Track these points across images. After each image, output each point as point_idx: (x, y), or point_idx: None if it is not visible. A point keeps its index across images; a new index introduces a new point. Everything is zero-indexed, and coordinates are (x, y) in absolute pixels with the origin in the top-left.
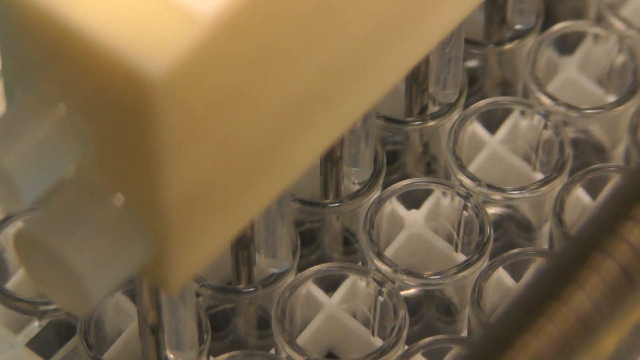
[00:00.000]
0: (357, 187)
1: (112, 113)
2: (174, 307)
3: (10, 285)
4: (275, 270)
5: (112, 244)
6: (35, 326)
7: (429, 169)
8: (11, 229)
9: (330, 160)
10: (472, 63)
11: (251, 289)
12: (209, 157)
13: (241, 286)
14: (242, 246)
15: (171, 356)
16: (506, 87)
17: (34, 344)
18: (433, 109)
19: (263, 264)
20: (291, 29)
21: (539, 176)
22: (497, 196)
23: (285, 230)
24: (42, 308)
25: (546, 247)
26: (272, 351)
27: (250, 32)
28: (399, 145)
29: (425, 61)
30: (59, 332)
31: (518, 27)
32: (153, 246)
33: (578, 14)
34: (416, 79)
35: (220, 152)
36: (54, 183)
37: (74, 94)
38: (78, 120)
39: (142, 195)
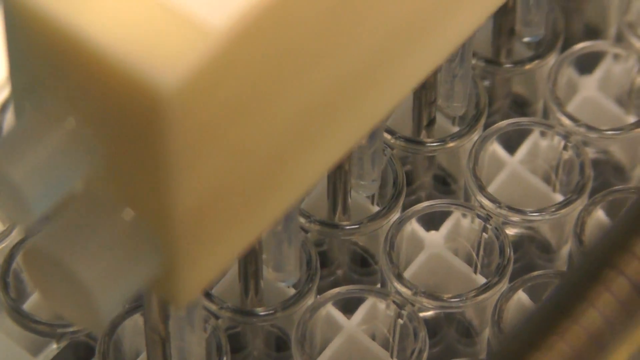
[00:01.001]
0: (376, 209)
1: (122, 126)
2: (182, 322)
3: (27, 306)
4: (283, 284)
5: (121, 258)
6: (53, 348)
7: (448, 190)
8: None
9: (339, 175)
10: (488, 82)
11: (270, 312)
12: (219, 171)
13: (260, 309)
14: (250, 259)
15: None
16: (524, 107)
17: None
18: (452, 128)
19: (270, 277)
20: (302, 41)
21: (559, 197)
22: (516, 218)
23: (292, 244)
24: (60, 330)
25: (566, 268)
26: None
27: (262, 45)
28: (418, 165)
29: (434, 73)
30: (77, 354)
31: (527, 39)
32: (162, 260)
33: (597, 33)
34: (425, 92)
35: (230, 165)
36: (63, 196)
37: (84, 107)
38: (88, 133)
39: (151, 208)
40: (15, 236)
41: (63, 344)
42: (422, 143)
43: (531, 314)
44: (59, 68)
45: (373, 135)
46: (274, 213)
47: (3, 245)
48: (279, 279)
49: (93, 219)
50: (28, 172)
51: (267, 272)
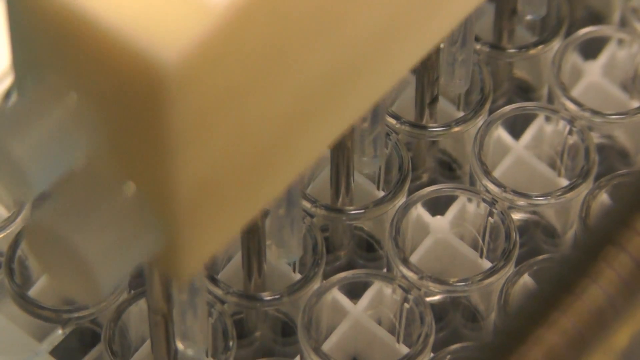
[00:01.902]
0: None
1: (124, 101)
2: (184, 297)
3: (33, 292)
4: (285, 261)
5: (123, 233)
6: (58, 334)
7: (453, 176)
8: None
9: (342, 155)
10: (492, 67)
11: (276, 297)
12: (220, 145)
13: (266, 294)
14: (253, 238)
15: (181, 347)
16: (529, 92)
17: (57, 352)
18: (457, 113)
19: (273, 255)
20: (304, 19)
21: (564, 181)
22: (522, 202)
23: (295, 221)
24: (66, 316)
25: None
26: (297, 358)
27: (264, 21)
28: (423, 150)
29: (436, 52)
30: (83, 339)
31: (529, 17)
32: (164, 234)
33: (601, 19)
34: (427, 71)
35: (232, 140)
36: (65, 172)
37: (86, 83)
38: (89, 109)
39: (153, 183)
40: (19, 223)
41: (68, 329)
42: (426, 128)
43: (534, 290)
44: (60, 43)
45: (375, 115)
46: (276, 188)
47: (8, 231)
48: (281, 257)
49: (95, 194)
50: (29, 147)
51: (270, 252)
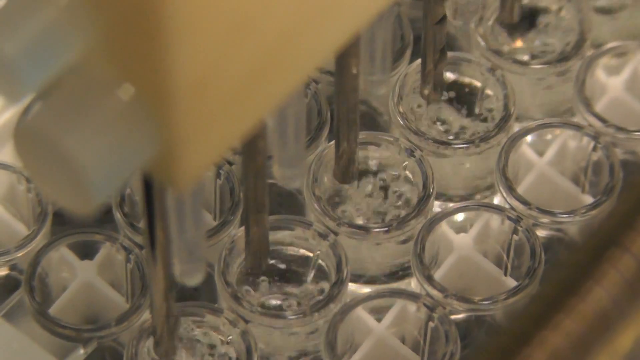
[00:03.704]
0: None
1: None
2: (181, 210)
3: (53, 310)
4: (290, 179)
5: (117, 136)
6: (80, 353)
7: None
8: (54, 254)
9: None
10: None
11: None
12: (218, 42)
13: None
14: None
15: (177, 269)
16: None
17: None
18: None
19: (277, 173)
20: None
21: (588, 198)
22: (546, 220)
23: (301, 134)
24: (87, 335)
25: None
26: None
27: None
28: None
29: None
30: (105, 359)
31: None
32: (161, 138)
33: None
34: None
35: (230, 38)
36: (58, 72)
37: None
38: (83, 5)
39: (149, 82)
40: (39, 240)
41: (90, 349)
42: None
43: (538, 292)
44: None
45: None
46: (277, 94)
47: (28, 249)
48: (285, 175)
49: (89, 96)
50: (20, 44)
51: (274, 170)
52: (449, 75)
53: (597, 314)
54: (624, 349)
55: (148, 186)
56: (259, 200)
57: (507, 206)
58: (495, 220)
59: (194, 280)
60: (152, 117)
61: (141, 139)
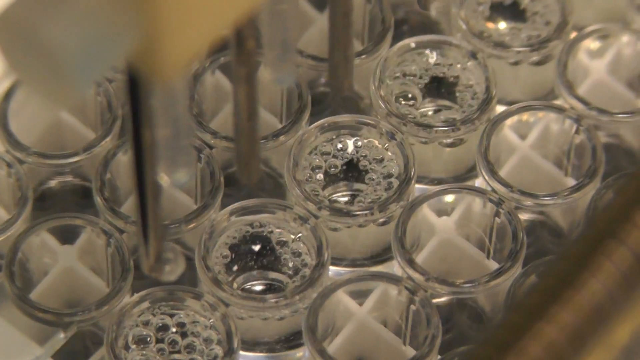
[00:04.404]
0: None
1: None
2: (168, 101)
3: (34, 295)
4: (281, 80)
5: (98, 23)
6: (60, 337)
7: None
8: (35, 239)
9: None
10: None
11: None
12: None
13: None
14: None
15: (164, 178)
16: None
17: (59, 355)
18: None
19: (267, 73)
20: None
21: (570, 181)
22: (529, 202)
23: (291, 32)
24: (67, 319)
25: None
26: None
27: None
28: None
29: None
30: (85, 343)
31: None
32: (143, 25)
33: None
34: None
35: None
36: None
37: None
38: None
39: None
40: (20, 225)
41: (70, 333)
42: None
43: (534, 284)
44: None
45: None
46: None
47: (8, 234)
48: (276, 71)
49: None
50: None
51: (264, 66)
52: (430, 60)
53: (593, 306)
54: (621, 342)
55: (133, 83)
56: (250, 107)
57: (489, 189)
58: (477, 203)
59: (172, 275)
60: (134, 3)
61: (123, 26)
